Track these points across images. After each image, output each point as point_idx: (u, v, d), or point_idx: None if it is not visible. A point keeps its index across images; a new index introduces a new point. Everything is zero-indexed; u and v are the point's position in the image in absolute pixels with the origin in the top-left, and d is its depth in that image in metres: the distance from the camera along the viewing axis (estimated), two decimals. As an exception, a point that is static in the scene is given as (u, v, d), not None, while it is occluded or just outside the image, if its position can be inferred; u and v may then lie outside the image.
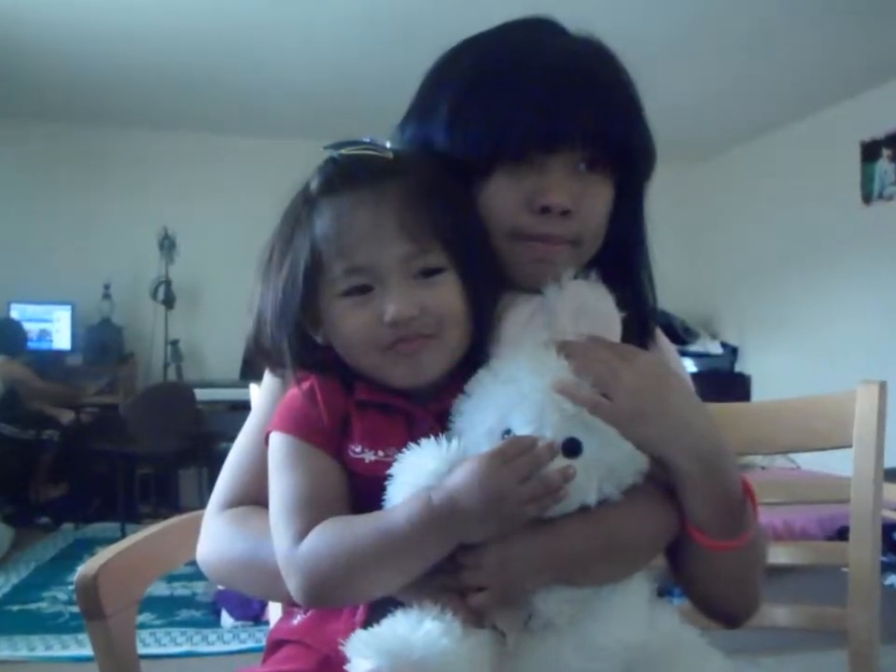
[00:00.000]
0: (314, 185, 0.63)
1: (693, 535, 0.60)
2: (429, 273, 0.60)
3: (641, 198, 0.71)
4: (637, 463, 0.60)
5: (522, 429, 0.58)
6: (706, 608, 0.68)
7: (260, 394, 0.75)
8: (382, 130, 0.70)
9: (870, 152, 3.90)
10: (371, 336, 0.59)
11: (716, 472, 0.60)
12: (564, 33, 0.68)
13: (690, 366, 4.48)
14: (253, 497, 0.67)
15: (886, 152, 3.80)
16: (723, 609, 0.68)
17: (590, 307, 0.64)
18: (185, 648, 2.26)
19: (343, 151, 0.63)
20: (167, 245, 4.35)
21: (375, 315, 0.59)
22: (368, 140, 0.64)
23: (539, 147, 0.63)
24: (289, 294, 0.61)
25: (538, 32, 0.68)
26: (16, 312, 4.21)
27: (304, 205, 0.62)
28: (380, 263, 0.59)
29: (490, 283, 0.63)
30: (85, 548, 3.25)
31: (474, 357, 0.63)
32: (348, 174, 0.61)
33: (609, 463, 0.58)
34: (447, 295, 0.60)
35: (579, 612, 0.57)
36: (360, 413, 0.61)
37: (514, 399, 0.59)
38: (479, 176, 0.64)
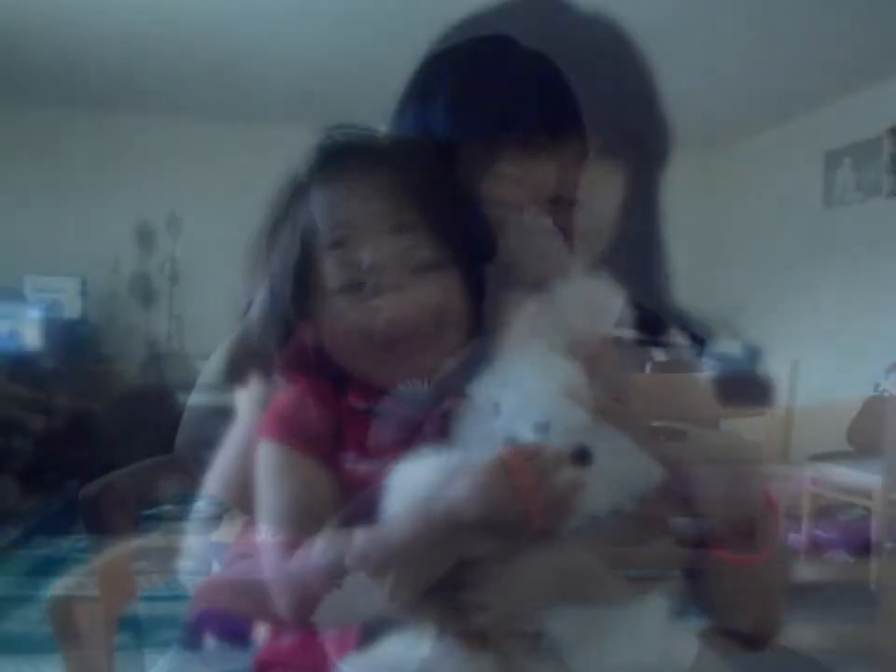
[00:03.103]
0: (303, 172, 0.59)
1: (710, 548, 0.58)
2: (426, 268, 0.57)
3: (657, 189, 0.67)
4: (652, 473, 0.57)
5: (528, 436, 0.56)
6: (724, 628, 0.65)
7: (246, 399, 0.72)
8: (377, 117, 0.67)
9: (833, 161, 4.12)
10: (363, 336, 0.57)
11: (736, 482, 0.58)
12: (572, 10, 0.64)
13: (660, 357, 4.55)
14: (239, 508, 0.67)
15: (848, 161, 3.97)
16: (743, 630, 0.65)
17: (601, 306, 0.61)
18: (178, 592, 2.26)
19: (336, 136, 0.60)
20: (147, 238, 4.22)
21: (368, 314, 0.56)
22: (361, 125, 0.61)
23: (546, 134, 0.60)
24: (277, 290, 0.59)
25: (544, 9, 0.63)
26: None
27: (293, 195, 0.59)
28: (375, 259, 0.56)
29: (492, 279, 0.60)
30: (58, 563, 3.09)
31: (476, 359, 0.60)
32: (340, 161, 0.58)
33: (621, 472, 0.56)
34: (445, 292, 0.58)
35: (589, 632, 0.56)
36: (354, 419, 0.59)
37: (520, 404, 0.57)
38: (482, 164, 0.61)
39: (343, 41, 3.59)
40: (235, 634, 0.64)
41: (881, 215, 3.89)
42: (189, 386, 0.72)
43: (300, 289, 0.58)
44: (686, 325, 0.75)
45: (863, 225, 3.98)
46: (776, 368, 0.94)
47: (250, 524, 0.71)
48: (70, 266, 4.37)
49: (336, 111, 0.68)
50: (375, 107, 0.70)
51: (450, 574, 0.54)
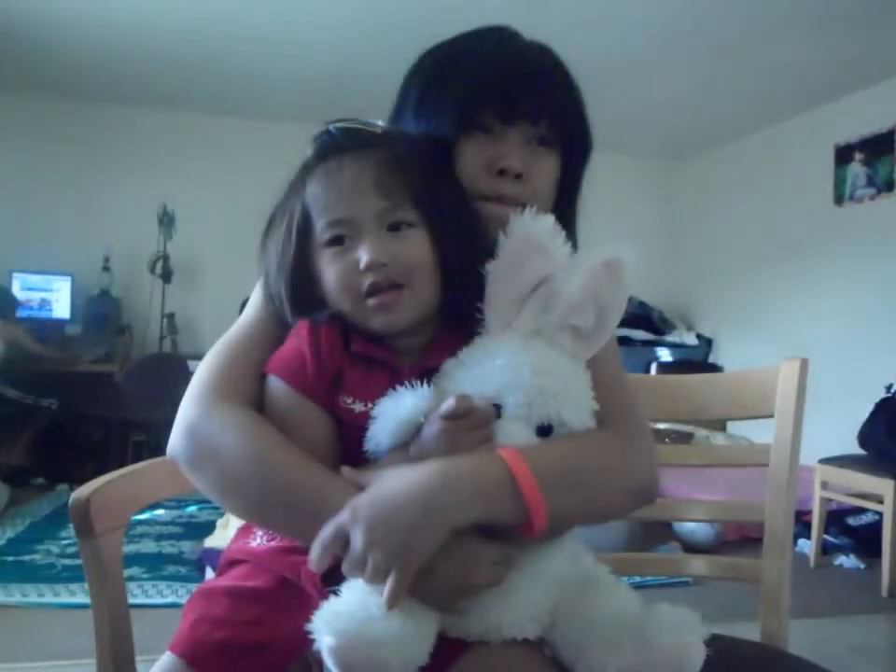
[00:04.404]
0: (310, 153, 0.72)
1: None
2: (401, 227, 0.68)
3: (579, 180, 0.81)
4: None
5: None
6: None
7: (254, 295, 0.79)
8: (380, 117, 0.77)
9: (843, 156, 4.17)
10: (348, 283, 0.67)
11: None
12: (522, 37, 0.79)
13: (666, 355, 4.90)
14: (246, 390, 0.70)
15: (858, 156, 4.08)
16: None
17: (605, 305, 0.66)
18: (170, 599, 2.35)
19: (338, 125, 0.72)
20: (166, 221, 4.46)
21: (352, 263, 0.67)
22: (360, 120, 0.72)
23: (499, 119, 0.74)
24: (285, 247, 0.70)
25: (500, 34, 0.79)
26: (18, 281, 4.35)
27: (301, 172, 0.72)
28: (357, 216, 0.67)
29: (462, 242, 0.70)
30: (48, 569, 3.20)
31: (460, 321, 0.69)
32: (338, 143, 0.71)
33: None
34: (416, 247, 0.68)
35: (592, 638, 0.59)
36: (353, 365, 0.68)
37: (521, 405, 0.61)
38: (451, 149, 0.74)
39: (348, 41, 3.63)
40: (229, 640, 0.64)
41: (893, 211, 3.88)
42: (182, 387, 0.72)
43: (303, 248, 0.69)
44: (647, 316, 0.84)
45: (875, 222, 3.98)
46: (784, 368, 0.95)
47: (244, 529, 0.71)
48: (60, 264, 4.46)
49: (344, 113, 0.76)
50: (379, 111, 0.79)
51: (450, 579, 0.54)
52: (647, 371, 4.57)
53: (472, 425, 0.60)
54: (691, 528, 2.89)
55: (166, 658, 0.66)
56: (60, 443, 4.08)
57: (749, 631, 0.97)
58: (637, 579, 2.07)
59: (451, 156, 0.74)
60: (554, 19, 2.29)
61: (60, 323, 4.46)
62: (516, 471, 0.57)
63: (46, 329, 4.28)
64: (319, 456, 0.64)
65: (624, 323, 4.11)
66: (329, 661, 0.53)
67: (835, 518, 3.07)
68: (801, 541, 3.00)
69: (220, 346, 0.74)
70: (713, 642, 0.59)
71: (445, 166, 0.73)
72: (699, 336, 5.12)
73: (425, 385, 0.63)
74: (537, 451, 0.61)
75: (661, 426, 3.44)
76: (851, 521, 3.12)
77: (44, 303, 4.45)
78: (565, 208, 0.79)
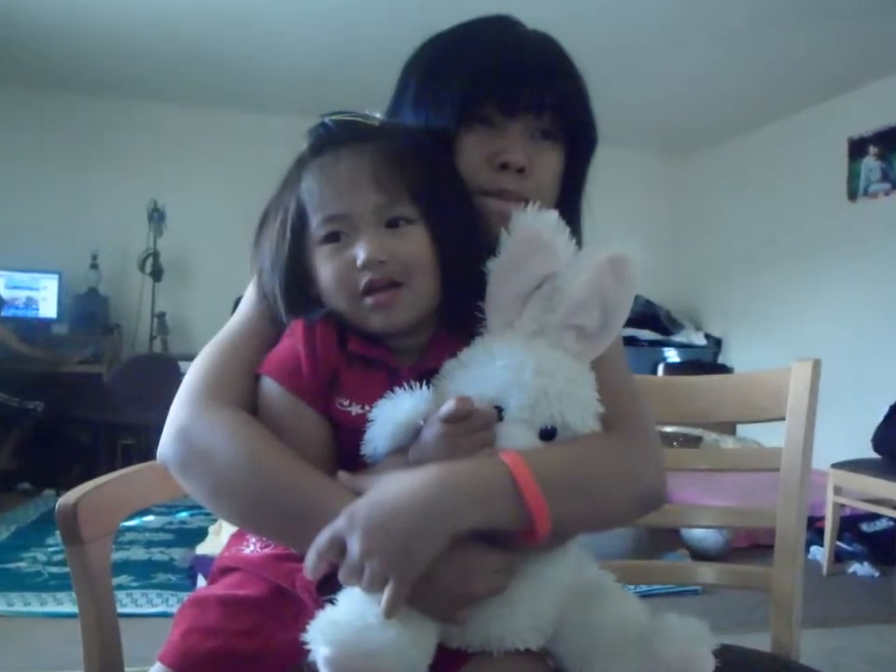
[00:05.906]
0: (305, 147, 0.72)
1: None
2: (399, 223, 0.68)
3: (583, 175, 0.81)
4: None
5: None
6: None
7: (248, 293, 0.79)
8: (377, 109, 0.77)
9: (857, 149, 4.16)
10: (345, 281, 0.67)
11: None
12: (524, 26, 0.79)
13: (673, 356, 4.87)
14: (239, 391, 0.70)
15: (873, 149, 4.06)
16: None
17: (609, 303, 0.66)
18: (160, 608, 2.35)
19: (334, 117, 0.72)
20: (156, 217, 4.46)
21: (349, 261, 0.67)
22: (355, 112, 0.72)
23: (501, 111, 0.73)
24: (280, 244, 0.70)
25: (501, 23, 0.79)
26: (3, 279, 4.35)
27: (296, 166, 0.72)
28: (354, 212, 0.67)
29: (462, 239, 0.69)
30: (35, 577, 3.19)
31: (460, 321, 0.69)
32: (334, 136, 0.70)
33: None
34: (415, 244, 0.68)
35: (596, 649, 0.59)
36: (350, 366, 0.68)
37: (523, 407, 0.61)
38: (451, 142, 0.73)
39: (344, 30, 3.62)
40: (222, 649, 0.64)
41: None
42: (173, 389, 0.72)
43: (297, 244, 0.69)
44: (655, 315, 0.84)
45: (890, 218, 3.97)
46: (796, 369, 0.95)
47: (237, 536, 0.72)
48: (46, 262, 4.45)
49: (339, 107, 0.75)
50: (376, 106, 0.79)
51: (450, 587, 0.54)
52: (654, 372, 4.57)
53: (473, 428, 0.60)
54: (699, 535, 2.89)
55: (156, 669, 0.66)
56: (46, 447, 4.08)
57: (759, 641, 0.97)
58: (644, 587, 2.07)
59: (451, 149, 0.73)
60: (555, 9, 2.30)
61: (46, 322, 4.46)
62: (518, 476, 0.57)
63: (32, 328, 4.28)
64: (315, 460, 0.64)
65: (630, 322, 4.11)
66: None
67: (849, 524, 3.07)
68: (813, 548, 3.00)
69: (212, 346, 0.73)
70: (722, 653, 0.59)
71: (445, 160, 0.73)
72: (708, 336, 5.11)
73: (424, 386, 0.63)
74: (540, 455, 0.61)
75: (668, 429, 3.45)
76: (865, 527, 3.12)
77: (30, 302, 4.45)
78: (568, 204, 0.78)
